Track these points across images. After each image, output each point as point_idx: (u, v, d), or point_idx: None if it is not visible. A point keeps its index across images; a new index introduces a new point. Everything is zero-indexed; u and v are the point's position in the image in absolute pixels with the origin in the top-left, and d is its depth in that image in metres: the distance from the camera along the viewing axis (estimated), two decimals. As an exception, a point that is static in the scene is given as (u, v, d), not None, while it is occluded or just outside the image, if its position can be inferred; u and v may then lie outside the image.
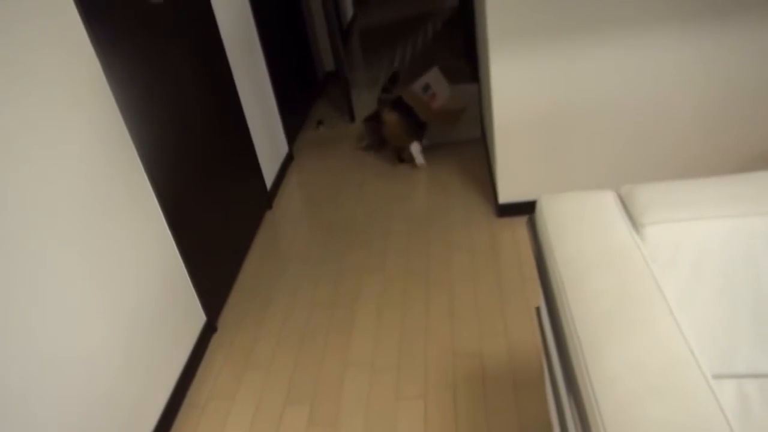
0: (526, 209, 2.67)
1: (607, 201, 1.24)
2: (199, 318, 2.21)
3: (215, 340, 2.27)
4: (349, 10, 6.51)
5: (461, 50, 5.08)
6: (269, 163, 3.24)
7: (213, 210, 2.42)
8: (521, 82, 2.36)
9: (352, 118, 4.05)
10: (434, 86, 3.33)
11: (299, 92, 4.17)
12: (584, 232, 1.16)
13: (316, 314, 2.32)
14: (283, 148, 3.55)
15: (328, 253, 2.68)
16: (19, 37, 1.43)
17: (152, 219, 1.95)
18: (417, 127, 3.25)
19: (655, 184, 1.25)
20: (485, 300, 2.22)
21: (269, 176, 3.22)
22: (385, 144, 3.48)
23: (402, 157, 3.39)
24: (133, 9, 1.93)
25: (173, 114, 2.16)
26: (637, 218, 1.16)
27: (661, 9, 2.16)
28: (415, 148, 3.27)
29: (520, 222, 2.64)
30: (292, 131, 3.81)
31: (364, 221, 2.88)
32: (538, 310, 1.47)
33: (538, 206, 1.31)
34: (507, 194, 2.65)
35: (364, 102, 4.41)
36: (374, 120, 3.48)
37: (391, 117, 3.13)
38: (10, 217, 1.33)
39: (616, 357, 0.90)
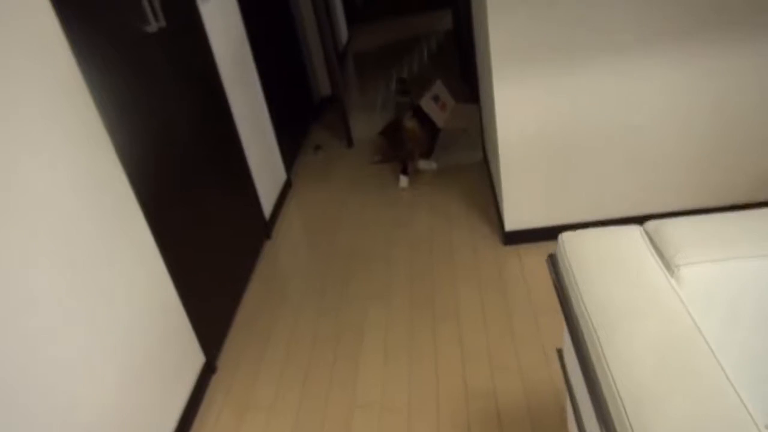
0: (533, 237, 2.60)
1: (634, 239, 1.17)
2: (198, 358, 2.11)
3: (215, 381, 2.17)
4: (343, 33, 6.50)
5: (458, 71, 5.06)
6: (267, 191, 3.16)
7: (211, 243, 2.34)
8: (525, 107, 2.31)
9: (350, 143, 3.99)
10: (442, 97, 3.61)
11: (296, 117, 4.11)
12: (614, 274, 1.08)
13: (319, 351, 2.22)
14: (281, 175, 3.48)
15: (330, 285, 2.59)
16: (3, 72, 1.36)
17: (147, 254, 1.86)
18: (433, 134, 3.49)
19: (681, 220, 1.18)
20: (496, 334, 2.13)
21: (267, 205, 3.14)
22: (400, 155, 3.51)
23: (406, 170, 3.37)
24: (126, 38, 1.87)
25: (167, 145, 2.09)
26: (669, 259, 1.09)
27: (668, 32, 2.11)
28: (423, 163, 3.43)
29: (527, 250, 2.57)
30: (289, 157, 3.74)
31: (366, 249, 2.80)
32: (560, 352, 1.39)
33: (560, 244, 1.23)
34: (513, 221, 2.58)
35: (361, 126, 4.36)
36: (390, 131, 3.56)
37: (412, 123, 3.38)
38: (-3, 265, 1.25)
39: (664, 417, 0.82)
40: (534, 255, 2.53)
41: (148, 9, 1.96)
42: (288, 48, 4.06)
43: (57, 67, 1.53)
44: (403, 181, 3.33)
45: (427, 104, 3.55)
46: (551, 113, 2.31)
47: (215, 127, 2.53)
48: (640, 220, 2.51)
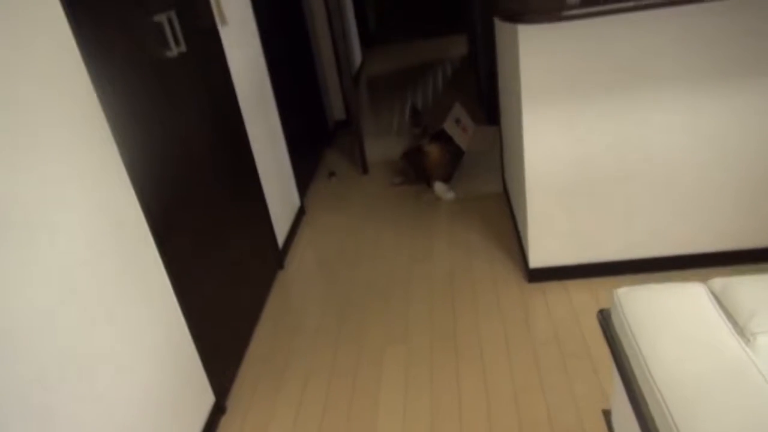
0: (559, 275, 2.49)
1: (700, 299, 1.07)
2: (207, 398, 2.00)
3: (225, 423, 2.05)
4: (357, 56, 6.47)
5: (475, 97, 4.99)
6: (281, 218, 3.07)
7: (224, 273, 2.24)
8: (554, 143, 2.22)
9: (365, 170, 3.91)
10: (463, 119, 3.60)
11: (310, 142, 4.04)
12: (682, 340, 0.98)
13: (336, 392, 2.11)
14: (295, 202, 3.39)
15: (346, 320, 2.48)
16: (21, 105, 1.27)
17: (159, 288, 1.77)
18: (456, 157, 3.46)
19: (751, 281, 1.08)
20: (522, 379, 2.02)
21: (281, 232, 3.04)
22: (420, 178, 3.59)
23: (430, 184, 3.42)
24: (145, 65, 1.80)
25: (184, 173, 2.00)
26: (744, 325, 0.98)
27: (705, 67, 2.03)
28: (440, 188, 3.37)
29: (553, 288, 2.46)
30: (303, 183, 3.66)
31: (383, 284, 2.69)
32: (607, 415, 1.28)
33: (616, 301, 1.13)
34: (538, 258, 2.47)
35: (375, 151, 4.28)
36: (413, 154, 3.56)
37: (432, 147, 3.35)
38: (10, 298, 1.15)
39: None
40: (560, 294, 2.42)
41: (169, 34, 1.89)
42: (304, 71, 4.00)
43: (76, 96, 1.45)
44: (431, 197, 3.40)
45: (450, 127, 3.53)
46: (581, 149, 2.22)
47: (232, 153, 2.46)
48: (675, 260, 2.42)
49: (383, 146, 4.35)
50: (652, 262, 2.43)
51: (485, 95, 4.21)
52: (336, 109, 4.84)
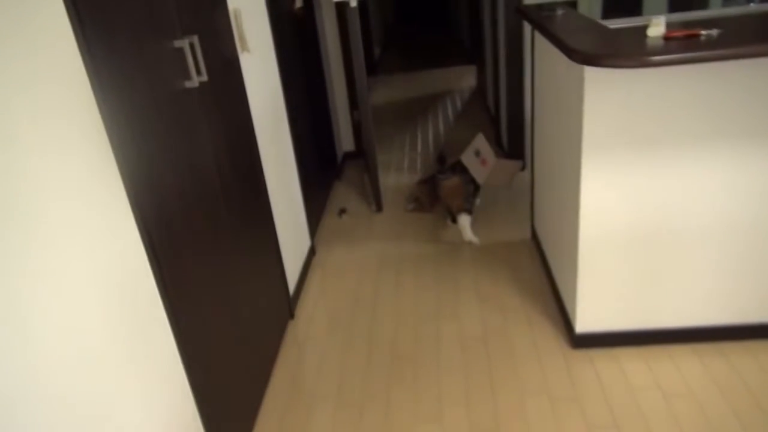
0: (608, 341, 2.23)
1: None
2: (214, 487, 1.70)
3: None
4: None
5: (488, 132, 4.78)
6: (292, 260, 2.79)
7: (232, 326, 1.94)
8: (613, 195, 1.99)
9: (379, 208, 3.65)
10: (483, 151, 3.43)
11: (321, 175, 3.78)
12: None
13: (363, 480, 1.81)
14: (306, 242, 3.12)
15: (367, 391, 2.18)
16: (29, 141, 1.00)
17: (162, 347, 1.48)
18: (473, 190, 3.33)
19: None
20: (582, 473, 1.74)
21: (292, 276, 2.76)
22: (435, 205, 3.55)
23: (455, 218, 3.23)
24: (162, 97, 1.53)
25: (197, 214, 1.72)
26: None
27: (790, 123, 1.82)
28: (465, 221, 3.16)
29: (603, 356, 2.20)
30: (313, 220, 3.39)
31: (408, 346, 2.41)
32: None
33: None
34: (587, 322, 2.22)
35: (385, 184, 4.03)
36: (431, 182, 3.52)
37: (450, 182, 3.23)
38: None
39: None
40: (610, 364, 2.16)
41: (191, 64, 1.63)
42: (316, 101, 3.77)
43: (90, 141, 1.18)
44: (452, 227, 3.32)
45: (468, 159, 3.38)
46: (640, 204, 1.98)
47: (246, 190, 2.18)
48: (740, 330, 2.18)
49: (393, 181, 4.10)
50: (710, 332, 2.19)
51: (508, 129, 4.00)
52: (345, 140, 4.60)
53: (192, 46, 1.66)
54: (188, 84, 1.66)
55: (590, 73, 1.80)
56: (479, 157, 3.44)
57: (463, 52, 8.28)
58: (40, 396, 1.01)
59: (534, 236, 3.07)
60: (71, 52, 1.17)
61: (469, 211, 3.18)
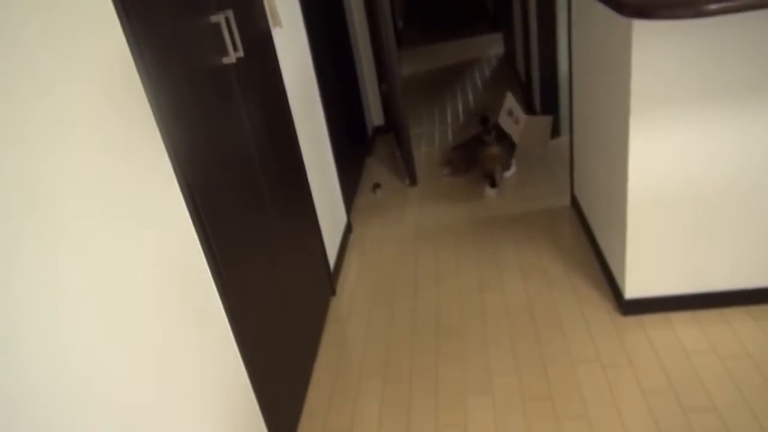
0: (660, 306, 2.18)
1: None
2: (271, 461, 1.72)
3: (290, 489, 1.77)
4: (388, 58, 6.17)
5: (521, 99, 4.68)
6: (330, 237, 2.78)
7: (280, 305, 1.95)
8: (663, 156, 1.92)
9: (414, 182, 3.61)
10: (515, 111, 3.47)
11: (353, 151, 3.76)
12: None
13: (416, 452, 1.81)
14: (342, 218, 3.11)
15: (415, 365, 2.17)
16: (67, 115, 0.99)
17: (217, 327, 1.48)
18: (510, 150, 3.41)
19: None
20: (640, 440, 1.71)
21: (331, 253, 2.75)
22: (471, 169, 3.58)
23: (494, 182, 3.36)
24: (202, 72, 1.51)
25: (240, 190, 1.72)
26: None
27: None
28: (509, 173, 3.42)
29: (654, 322, 2.15)
30: (348, 197, 3.37)
31: (452, 318, 2.39)
32: None
33: None
34: (637, 287, 2.16)
35: (417, 159, 3.98)
36: (466, 147, 3.57)
37: (497, 149, 3.27)
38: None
39: None
40: (663, 329, 2.11)
41: (228, 39, 1.60)
42: (346, 75, 3.72)
43: (133, 117, 1.17)
44: (491, 192, 3.33)
45: (504, 121, 3.46)
46: (691, 164, 1.91)
47: (284, 165, 2.17)
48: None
49: (425, 154, 4.05)
50: (766, 293, 2.12)
51: (541, 93, 3.89)
52: (375, 114, 4.54)
53: (227, 20, 1.63)
54: (226, 60, 1.64)
55: (639, 26, 1.72)
56: (512, 116, 3.50)
57: (487, 19, 8.09)
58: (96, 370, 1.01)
59: (574, 203, 3.00)
60: (114, 28, 1.15)
61: (508, 167, 3.41)
